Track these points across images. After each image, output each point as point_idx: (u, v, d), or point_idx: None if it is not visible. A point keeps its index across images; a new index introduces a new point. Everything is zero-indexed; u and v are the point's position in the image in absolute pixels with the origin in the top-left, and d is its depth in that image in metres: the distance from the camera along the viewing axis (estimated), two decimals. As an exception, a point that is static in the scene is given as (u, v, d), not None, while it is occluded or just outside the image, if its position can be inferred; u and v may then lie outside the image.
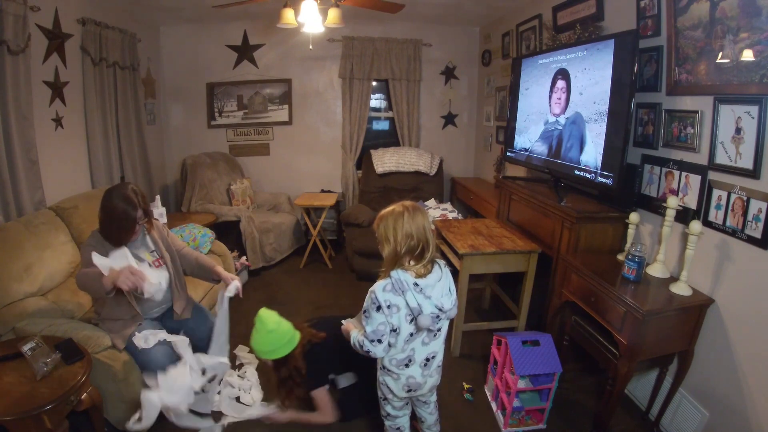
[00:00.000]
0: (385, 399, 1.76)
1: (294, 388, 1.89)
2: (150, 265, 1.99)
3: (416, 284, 1.48)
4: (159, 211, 3.47)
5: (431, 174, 4.39)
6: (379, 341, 1.53)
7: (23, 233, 2.12)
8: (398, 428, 1.83)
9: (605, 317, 1.92)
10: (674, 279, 1.95)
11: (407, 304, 1.49)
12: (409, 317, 1.52)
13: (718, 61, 1.78)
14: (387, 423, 1.83)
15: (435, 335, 1.60)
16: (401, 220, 1.49)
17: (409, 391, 1.67)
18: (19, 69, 2.33)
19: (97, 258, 1.73)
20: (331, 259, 4.19)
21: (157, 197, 3.53)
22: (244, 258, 3.64)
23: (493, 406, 2.24)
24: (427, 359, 1.62)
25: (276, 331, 1.82)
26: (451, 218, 3.65)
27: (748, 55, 1.64)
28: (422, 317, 1.49)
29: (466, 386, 2.36)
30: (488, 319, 2.88)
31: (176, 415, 1.75)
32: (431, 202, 4.13)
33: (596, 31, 2.54)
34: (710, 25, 1.80)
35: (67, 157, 2.89)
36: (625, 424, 2.14)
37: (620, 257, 2.20)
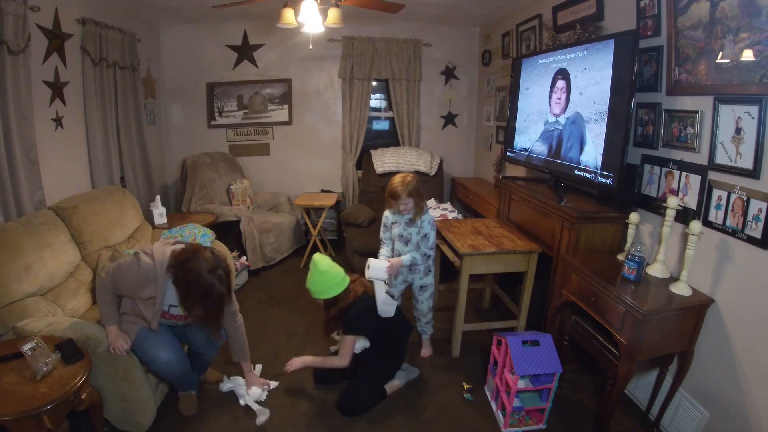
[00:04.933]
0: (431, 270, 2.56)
1: (338, 328, 2.22)
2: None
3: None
4: (159, 212, 3.48)
5: (431, 174, 4.39)
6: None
7: (23, 233, 2.12)
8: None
9: (605, 317, 1.92)
10: (674, 279, 1.95)
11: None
12: None
13: (718, 61, 1.78)
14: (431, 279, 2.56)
15: None
16: (419, 184, 2.36)
17: None
18: (19, 69, 2.33)
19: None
20: (332, 259, 4.18)
21: (157, 197, 3.53)
22: (244, 258, 3.64)
23: (493, 406, 2.24)
24: None
25: (328, 273, 2.14)
26: (451, 218, 3.65)
27: (748, 55, 1.64)
28: None
29: (466, 386, 2.36)
30: (488, 319, 2.88)
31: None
32: (431, 202, 4.13)
33: (596, 31, 2.54)
34: (710, 25, 1.80)
35: (67, 157, 2.89)
36: (625, 424, 2.14)
37: (620, 257, 2.20)
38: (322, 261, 2.17)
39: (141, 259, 1.80)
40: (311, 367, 2.45)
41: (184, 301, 1.80)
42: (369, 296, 2.23)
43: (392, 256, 2.51)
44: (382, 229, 2.58)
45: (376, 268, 2.29)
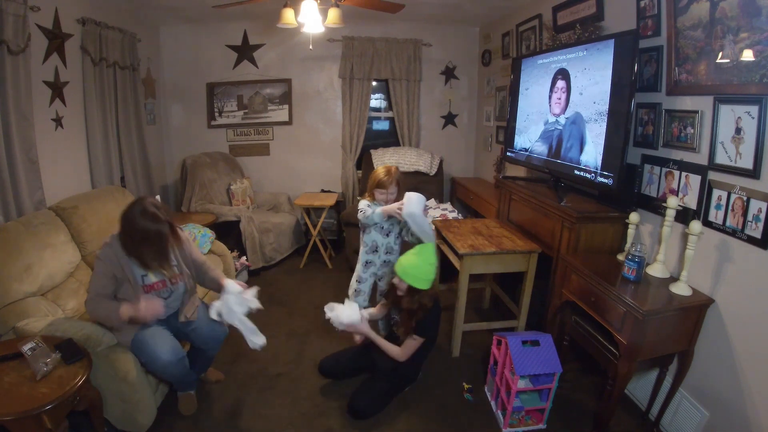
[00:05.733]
0: None
1: (411, 320, 2.17)
2: (167, 280, 1.98)
3: None
4: (159, 211, 3.47)
5: (431, 174, 4.39)
6: None
7: (23, 233, 2.12)
8: None
9: (605, 317, 1.92)
10: (674, 279, 1.95)
11: None
12: None
13: (718, 61, 1.78)
14: None
15: None
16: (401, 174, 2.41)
17: None
18: (19, 69, 2.33)
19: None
20: (331, 259, 4.19)
21: (157, 197, 3.52)
22: (244, 258, 3.64)
23: (493, 406, 2.24)
24: None
25: (434, 266, 2.10)
26: (451, 218, 3.65)
27: (748, 55, 1.64)
28: None
29: (466, 386, 2.36)
30: (488, 319, 2.88)
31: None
32: (431, 202, 4.13)
33: (596, 31, 2.54)
34: (710, 25, 1.80)
35: (67, 157, 2.89)
36: (625, 424, 2.14)
37: (620, 257, 2.20)
38: (433, 252, 2.12)
39: (99, 254, 1.86)
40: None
41: (138, 257, 1.84)
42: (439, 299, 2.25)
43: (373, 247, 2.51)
44: (363, 217, 2.39)
45: (419, 198, 2.21)
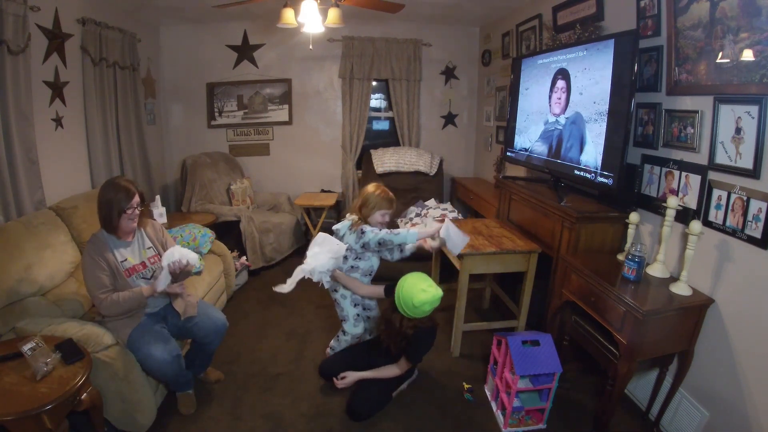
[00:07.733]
0: None
1: (391, 344, 2.15)
2: (146, 261, 2.06)
3: None
4: (159, 211, 3.47)
5: (431, 174, 4.39)
6: None
7: (23, 233, 2.12)
8: None
9: (605, 317, 1.92)
10: (674, 279, 1.94)
11: None
12: None
13: (718, 61, 1.78)
14: None
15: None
16: None
17: None
18: (19, 69, 2.33)
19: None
20: (331, 259, 4.18)
21: (157, 197, 3.53)
22: (244, 258, 3.63)
23: (493, 406, 2.24)
24: None
25: (426, 313, 2.02)
26: (451, 218, 3.65)
27: (748, 55, 1.64)
28: None
29: (466, 386, 2.36)
30: (488, 319, 2.88)
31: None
32: (431, 202, 4.13)
33: (596, 31, 2.54)
34: (710, 25, 1.80)
35: (67, 157, 2.89)
36: (625, 424, 2.14)
37: (620, 257, 2.20)
38: (436, 298, 2.00)
39: (84, 252, 1.94)
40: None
41: (106, 223, 1.93)
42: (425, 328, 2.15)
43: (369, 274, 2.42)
44: (377, 245, 2.21)
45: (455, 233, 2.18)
